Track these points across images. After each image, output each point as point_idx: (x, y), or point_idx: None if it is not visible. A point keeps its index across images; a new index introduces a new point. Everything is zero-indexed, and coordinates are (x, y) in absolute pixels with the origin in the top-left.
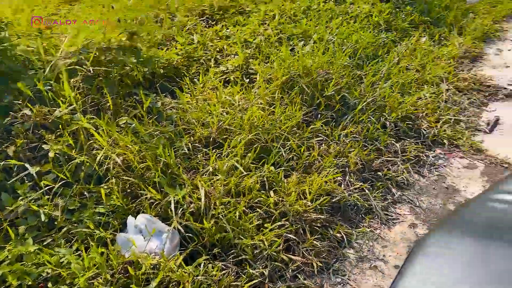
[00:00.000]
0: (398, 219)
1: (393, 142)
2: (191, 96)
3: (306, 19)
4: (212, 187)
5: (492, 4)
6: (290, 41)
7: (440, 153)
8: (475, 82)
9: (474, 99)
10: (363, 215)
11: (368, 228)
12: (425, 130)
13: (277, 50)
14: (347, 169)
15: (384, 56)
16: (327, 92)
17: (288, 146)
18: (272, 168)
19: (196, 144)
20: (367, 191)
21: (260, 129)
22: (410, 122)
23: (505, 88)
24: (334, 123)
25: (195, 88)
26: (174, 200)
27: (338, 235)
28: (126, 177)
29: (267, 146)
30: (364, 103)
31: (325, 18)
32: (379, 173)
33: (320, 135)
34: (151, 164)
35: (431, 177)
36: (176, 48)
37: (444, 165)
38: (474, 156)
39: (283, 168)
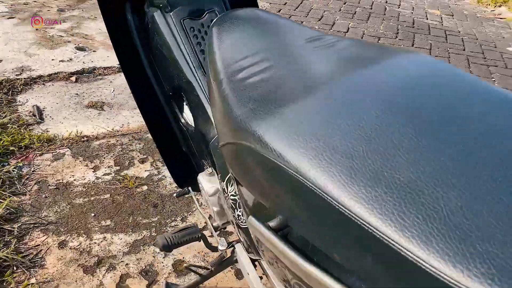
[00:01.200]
0: (41, 250)
1: None
2: None
3: None
4: None
5: None
6: None
7: (17, 162)
8: None
9: None
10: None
11: None
12: None
13: None
14: None
15: None
16: None
17: None
18: None
19: None
20: None
21: None
22: None
23: (12, 80)
24: None
25: None
26: None
27: None
28: None
29: None
30: None
31: None
32: None
33: None
34: None
35: (32, 189)
36: None
37: (33, 170)
38: (61, 148)
39: None
